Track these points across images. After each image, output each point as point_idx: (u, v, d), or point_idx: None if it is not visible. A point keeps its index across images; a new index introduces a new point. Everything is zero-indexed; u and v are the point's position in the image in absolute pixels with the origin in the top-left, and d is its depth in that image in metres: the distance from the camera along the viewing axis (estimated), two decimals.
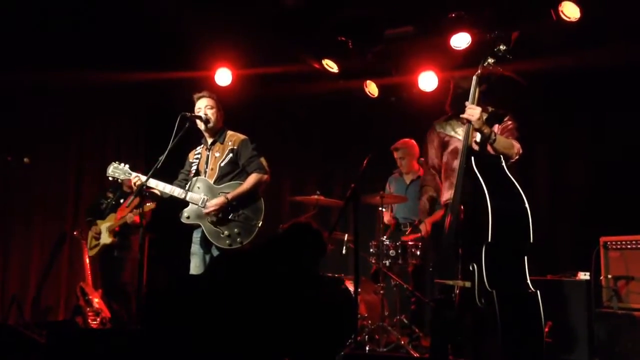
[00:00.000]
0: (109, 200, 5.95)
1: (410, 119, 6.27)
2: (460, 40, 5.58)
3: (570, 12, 5.09)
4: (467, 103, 3.54)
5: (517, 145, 3.65)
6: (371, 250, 5.23)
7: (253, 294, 2.56)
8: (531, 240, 3.29)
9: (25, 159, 5.15)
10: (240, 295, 2.56)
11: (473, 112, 3.49)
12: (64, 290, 6.48)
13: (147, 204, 5.52)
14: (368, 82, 6.67)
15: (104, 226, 5.82)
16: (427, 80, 6.20)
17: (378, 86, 6.65)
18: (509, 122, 3.74)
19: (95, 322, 5.69)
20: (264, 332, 2.48)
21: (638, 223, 4.89)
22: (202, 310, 2.57)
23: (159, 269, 6.07)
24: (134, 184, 4.25)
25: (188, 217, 4.34)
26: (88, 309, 5.79)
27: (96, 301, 5.86)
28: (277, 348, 2.52)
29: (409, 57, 6.23)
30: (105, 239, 5.78)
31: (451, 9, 5.52)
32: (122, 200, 5.91)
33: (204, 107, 4.44)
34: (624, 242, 4.78)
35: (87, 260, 6.15)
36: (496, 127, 3.67)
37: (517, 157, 3.64)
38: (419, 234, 4.92)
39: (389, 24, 5.89)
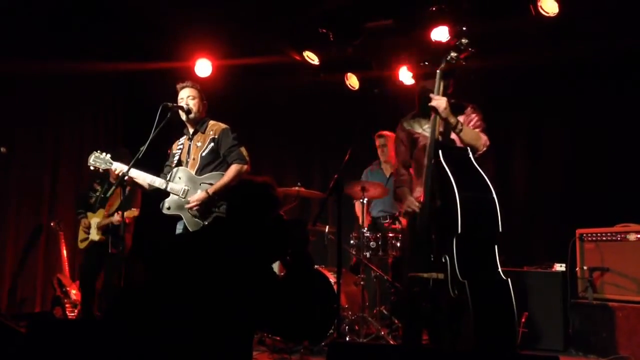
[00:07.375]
0: (97, 194, 5.74)
1: (392, 111, 6.30)
2: (441, 34, 5.61)
3: (549, 7, 5.16)
4: (432, 95, 3.55)
5: (484, 137, 3.63)
6: (351, 241, 5.27)
7: (208, 275, 2.52)
8: (500, 229, 3.30)
9: (2, 149, 5.05)
10: (200, 278, 2.53)
11: (439, 102, 3.51)
12: (40, 281, 6.40)
13: (132, 209, 5.43)
14: (349, 74, 6.68)
15: (94, 221, 5.59)
16: (407, 74, 6.22)
17: (359, 79, 6.67)
18: (473, 115, 3.72)
19: (73, 314, 5.65)
20: (234, 307, 2.45)
21: (613, 215, 4.99)
22: (175, 295, 2.54)
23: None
24: (116, 174, 4.20)
25: (169, 208, 4.30)
26: (66, 300, 5.74)
27: (74, 292, 5.81)
28: (249, 323, 2.51)
29: (389, 50, 6.25)
30: (94, 235, 5.54)
31: (432, 2, 5.53)
32: (109, 194, 5.72)
33: (186, 97, 4.39)
34: (599, 234, 4.88)
35: (64, 252, 6.08)
36: (461, 118, 3.64)
37: (484, 149, 3.62)
38: (399, 226, 4.95)
39: (370, 16, 5.90)
